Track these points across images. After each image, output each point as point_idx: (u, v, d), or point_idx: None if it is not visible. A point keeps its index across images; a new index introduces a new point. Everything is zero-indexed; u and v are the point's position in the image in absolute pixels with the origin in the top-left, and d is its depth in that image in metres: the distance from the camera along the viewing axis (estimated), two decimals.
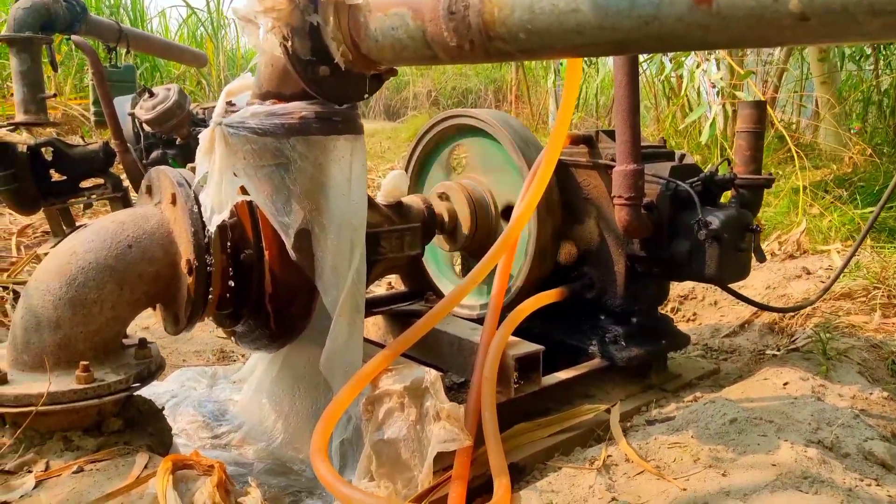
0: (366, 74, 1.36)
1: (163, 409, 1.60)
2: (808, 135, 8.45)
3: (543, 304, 1.85)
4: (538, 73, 7.85)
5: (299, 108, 1.36)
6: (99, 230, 1.42)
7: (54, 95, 5.96)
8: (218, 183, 1.37)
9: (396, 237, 1.84)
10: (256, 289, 1.53)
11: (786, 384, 1.87)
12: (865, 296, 2.62)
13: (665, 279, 2.05)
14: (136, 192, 3.96)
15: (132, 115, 3.53)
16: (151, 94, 3.33)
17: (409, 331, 1.52)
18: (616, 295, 1.95)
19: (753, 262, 1.92)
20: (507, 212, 2.07)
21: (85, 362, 1.33)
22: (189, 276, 1.43)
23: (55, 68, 3.96)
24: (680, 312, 2.91)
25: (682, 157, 1.99)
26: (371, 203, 1.77)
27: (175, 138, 3.35)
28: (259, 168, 1.38)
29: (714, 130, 3.57)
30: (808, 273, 2.82)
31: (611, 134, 1.93)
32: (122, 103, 3.77)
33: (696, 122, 3.89)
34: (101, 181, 3.96)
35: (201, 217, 1.42)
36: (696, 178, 1.83)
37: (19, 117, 3.57)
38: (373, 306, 2.02)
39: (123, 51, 4.30)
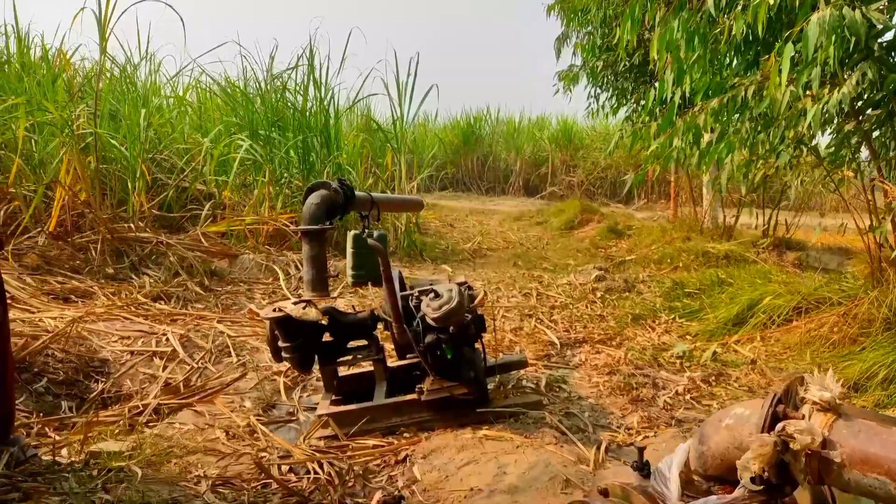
0: None
1: None
2: None
3: None
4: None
5: (739, 498, 1.71)
6: None
7: (336, 275, 6.74)
8: None
9: None
10: None
11: None
12: None
13: None
14: (397, 358, 4.43)
15: (405, 297, 4.06)
16: (437, 295, 3.83)
17: None
18: None
19: None
20: None
21: None
22: None
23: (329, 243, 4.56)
24: None
25: None
26: None
27: (449, 326, 3.83)
28: None
29: None
30: None
31: None
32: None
33: None
34: (365, 343, 4.51)
35: None
36: None
37: (307, 294, 4.17)
38: None
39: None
